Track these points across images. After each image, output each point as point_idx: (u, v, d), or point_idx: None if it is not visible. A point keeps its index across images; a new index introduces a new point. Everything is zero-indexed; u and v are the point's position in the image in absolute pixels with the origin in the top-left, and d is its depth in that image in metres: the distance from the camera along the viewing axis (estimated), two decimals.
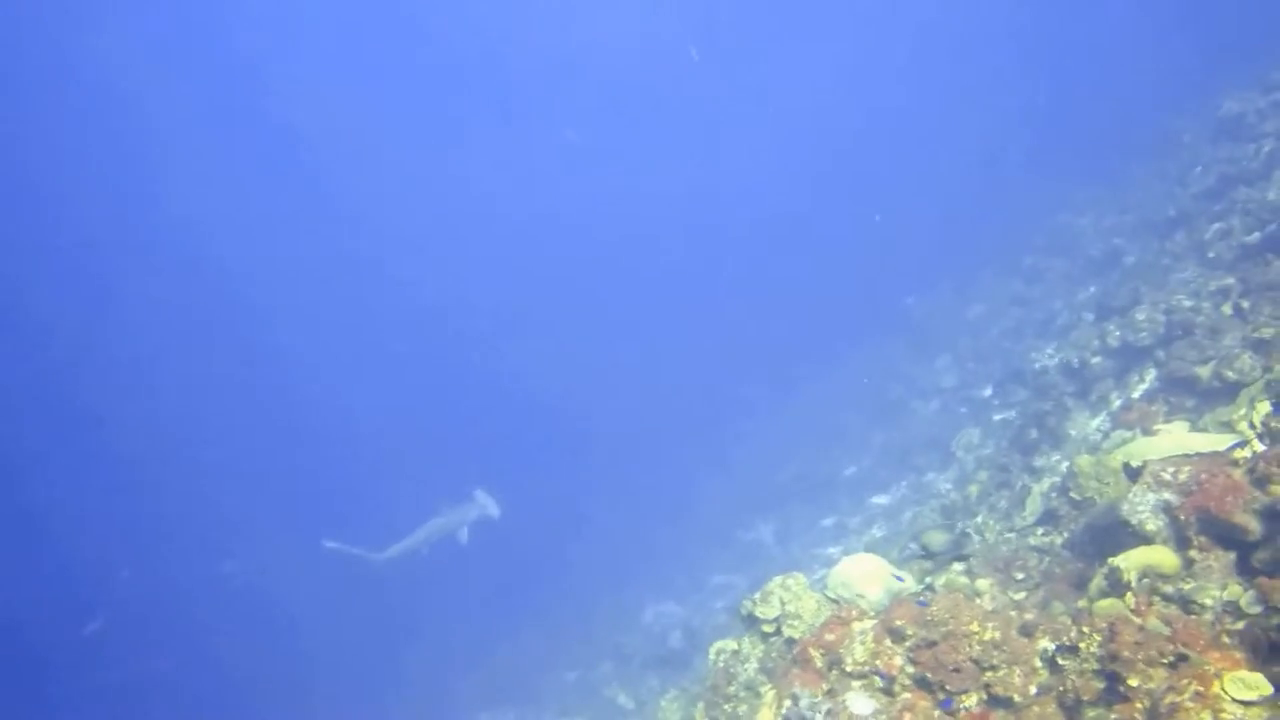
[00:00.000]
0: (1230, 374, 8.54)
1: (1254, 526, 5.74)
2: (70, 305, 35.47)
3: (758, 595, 8.15)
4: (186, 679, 23.00)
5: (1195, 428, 8.18)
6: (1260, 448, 6.70)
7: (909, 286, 23.42)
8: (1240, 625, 5.20)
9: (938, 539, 8.90)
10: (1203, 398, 8.89)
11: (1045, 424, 10.97)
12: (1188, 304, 10.25)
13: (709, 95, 39.68)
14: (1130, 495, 6.65)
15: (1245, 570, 5.71)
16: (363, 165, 40.67)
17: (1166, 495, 6.42)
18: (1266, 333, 8.80)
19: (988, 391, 15.97)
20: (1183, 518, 6.15)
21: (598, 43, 40.99)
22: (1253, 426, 7.13)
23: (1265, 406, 7.28)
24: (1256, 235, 11.13)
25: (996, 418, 14.33)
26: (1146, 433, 8.76)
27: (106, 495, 30.05)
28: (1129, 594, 5.89)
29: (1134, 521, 6.45)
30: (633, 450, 24.33)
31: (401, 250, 38.58)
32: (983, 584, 7.81)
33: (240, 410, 33.09)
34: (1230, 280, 10.21)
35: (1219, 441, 6.99)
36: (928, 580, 8.15)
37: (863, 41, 37.98)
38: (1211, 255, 11.61)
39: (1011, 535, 9.19)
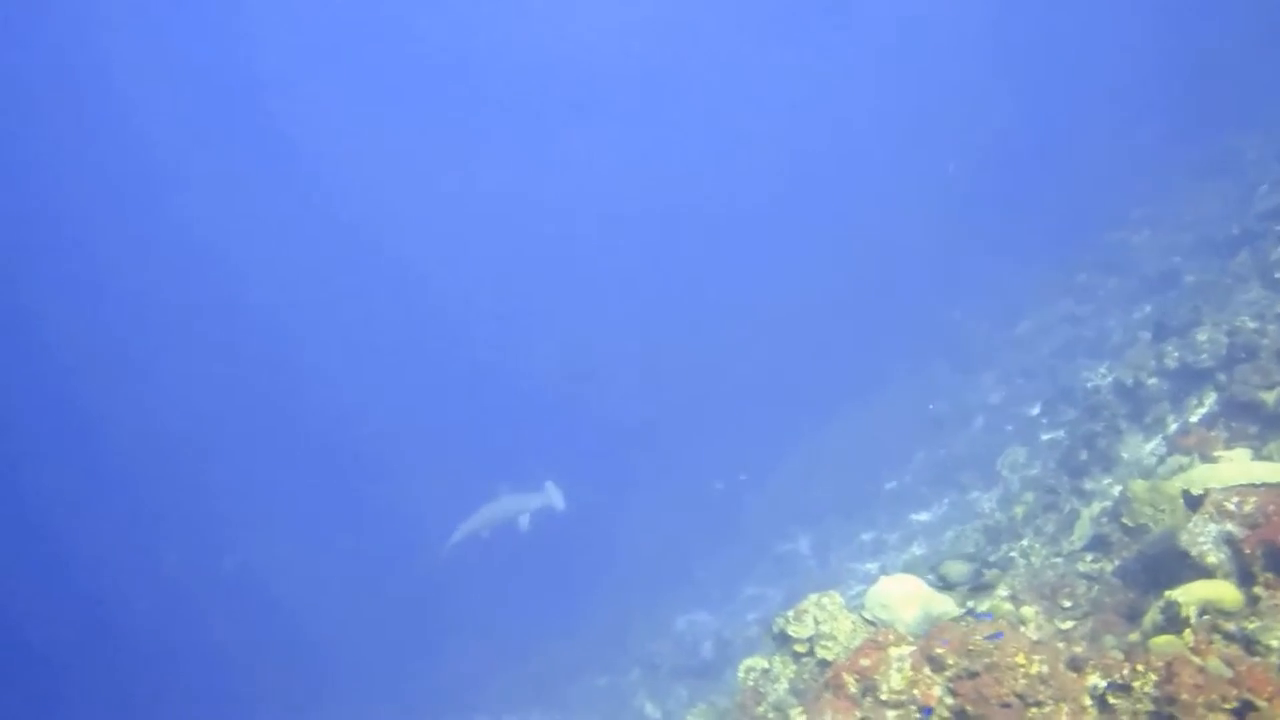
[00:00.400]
0: None
1: None
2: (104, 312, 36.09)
3: (791, 613, 7.82)
4: (203, 678, 23.29)
5: (1259, 456, 7.79)
6: None
7: (954, 300, 23.00)
8: None
9: (957, 569, 8.55)
10: (1267, 424, 8.47)
11: (1096, 445, 10.55)
12: (1252, 326, 9.77)
13: (749, 93, 39.34)
14: (1190, 525, 6.28)
15: None
16: (368, 167, 40.81)
17: (1229, 526, 6.05)
18: None
19: (1035, 410, 15.53)
20: (1247, 551, 5.78)
21: (613, 38, 40.76)
22: None
23: None
24: None
25: (1044, 437, 13.92)
26: (1205, 459, 8.35)
27: (119, 493, 30.55)
28: (1188, 631, 5.54)
29: (1193, 553, 6.08)
30: (673, 455, 24.16)
31: (410, 250, 38.68)
32: (1027, 611, 7.46)
33: (240, 415, 33.55)
34: None
35: None
36: (969, 605, 7.82)
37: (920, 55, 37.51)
38: (1278, 276, 11.13)
39: (1058, 560, 8.84)
